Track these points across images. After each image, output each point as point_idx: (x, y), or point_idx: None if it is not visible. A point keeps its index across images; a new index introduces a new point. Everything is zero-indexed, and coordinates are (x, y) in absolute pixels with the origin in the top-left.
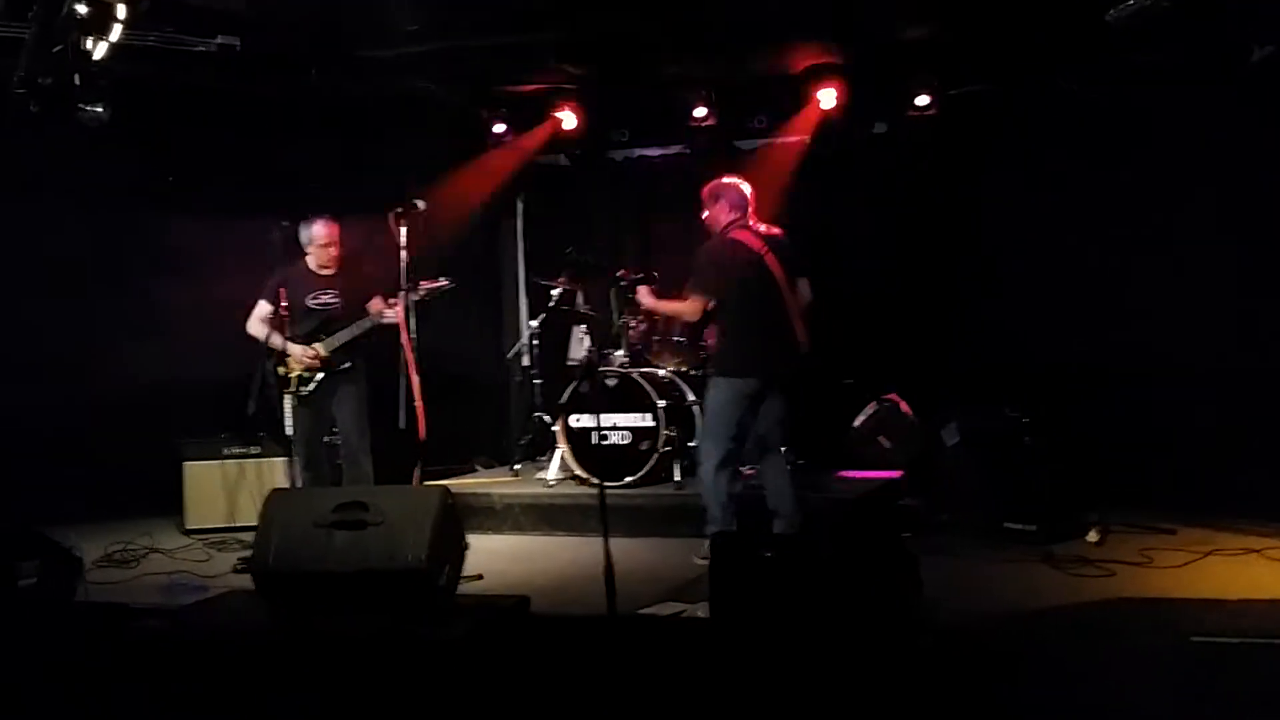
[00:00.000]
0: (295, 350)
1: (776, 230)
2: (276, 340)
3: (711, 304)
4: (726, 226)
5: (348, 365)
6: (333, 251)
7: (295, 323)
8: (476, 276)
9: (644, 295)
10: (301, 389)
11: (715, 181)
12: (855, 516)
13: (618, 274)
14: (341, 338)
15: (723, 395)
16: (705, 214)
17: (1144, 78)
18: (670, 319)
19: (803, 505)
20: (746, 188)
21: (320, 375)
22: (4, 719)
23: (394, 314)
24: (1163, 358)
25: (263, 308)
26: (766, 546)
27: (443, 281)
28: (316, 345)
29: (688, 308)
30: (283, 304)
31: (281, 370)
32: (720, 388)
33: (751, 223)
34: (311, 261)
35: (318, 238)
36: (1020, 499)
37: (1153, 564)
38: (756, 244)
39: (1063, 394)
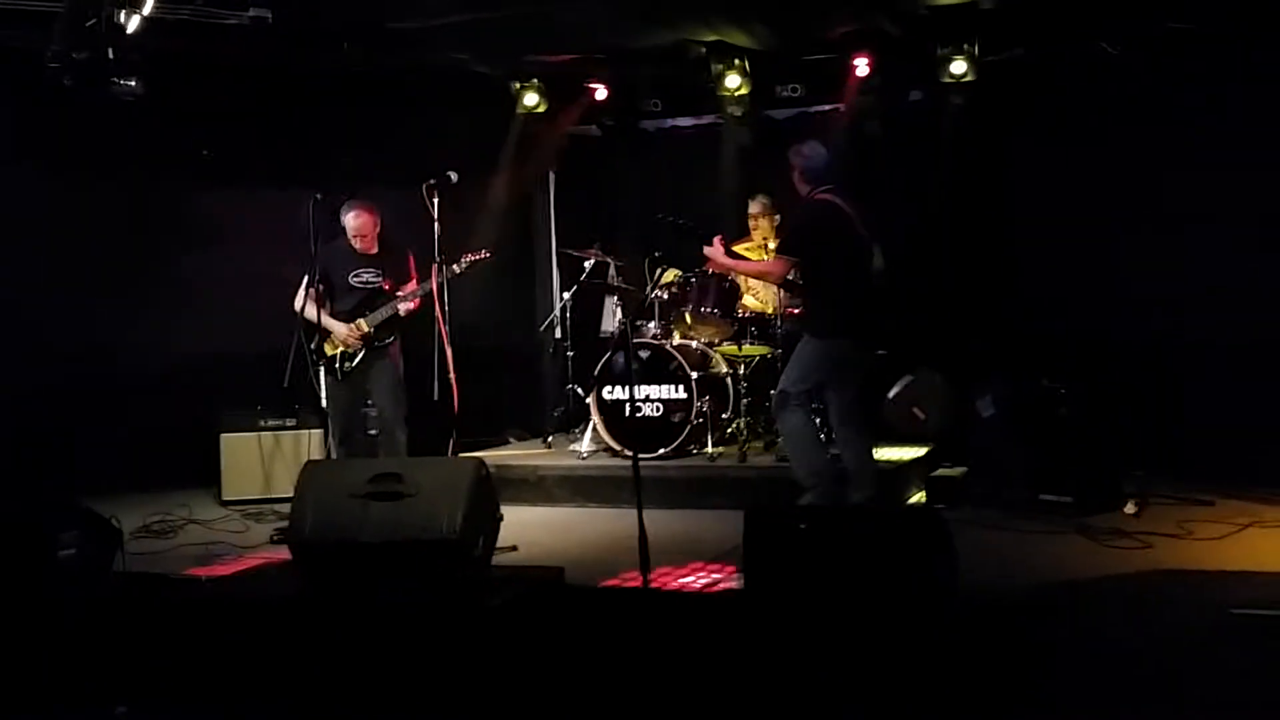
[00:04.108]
0: (340, 329)
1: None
2: (324, 319)
3: (794, 268)
4: (813, 189)
5: (389, 341)
6: (365, 241)
7: (336, 299)
8: (509, 248)
9: (716, 254)
10: (345, 365)
11: (798, 145)
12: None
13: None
14: (382, 314)
15: (812, 354)
16: (794, 177)
17: (1186, 41)
18: (703, 290)
19: (881, 478)
20: (823, 151)
21: (362, 352)
22: (44, 688)
23: (408, 307)
24: (1202, 328)
25: (307, 285)
26: (801, 519)
27: (484, 254)
28: (359, 322)
29: (773, 268)
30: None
31: (326, 347)
32: (810, 347)
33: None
34: (352, 240)
35: (351, 227)
36: (1056, 470)
37: (1191, 536)
38: (846, 207)
39: (1099, 365)
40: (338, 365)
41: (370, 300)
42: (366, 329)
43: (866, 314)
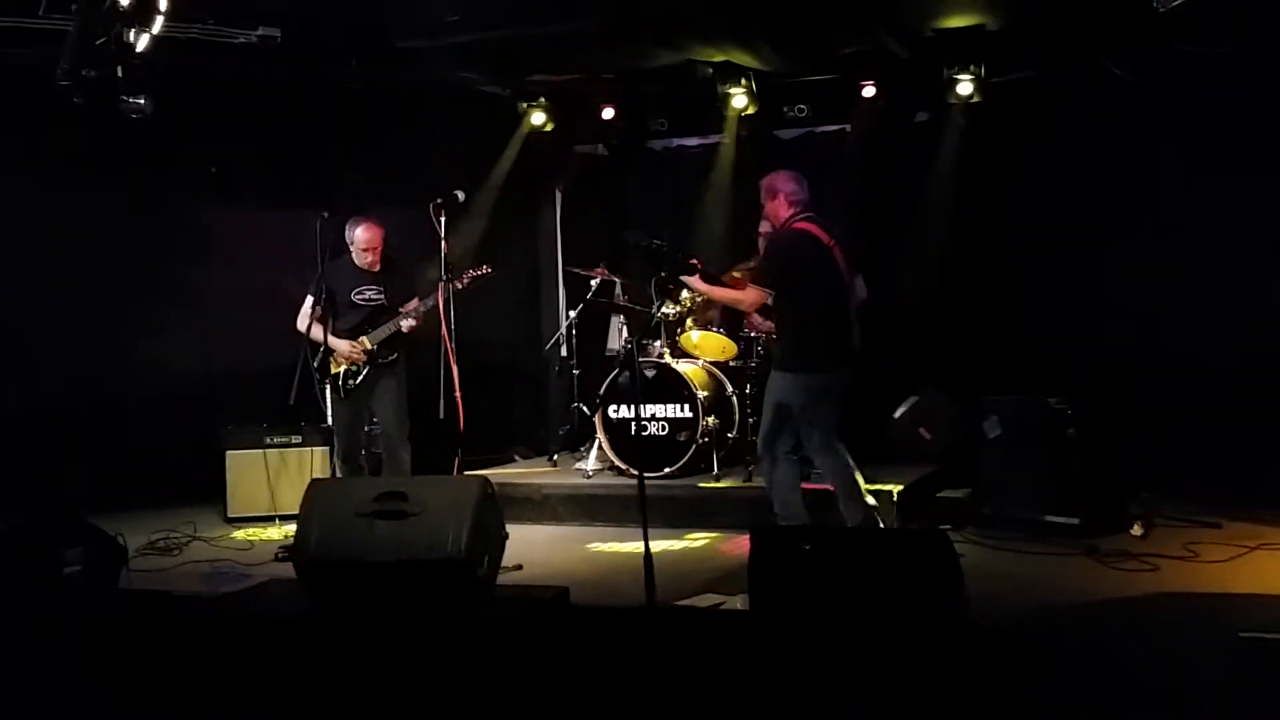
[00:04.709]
0: (343, 346)
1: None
2: (328, 337)
3: (770, 296)
4: (790, 218)
5: (392, 358)
6: (370, 257)
7: (339, 317)
8: (515, 267)
9: (696, 281)
10: (348, 383)
11: (772, 174)
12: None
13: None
14: (385, 332)
15: (786, 390)
16: (765, 206)
17: (1190, 62)
18: (706, 309)
19: (869, 506)
20: (802, 180)
21: (366, 369)
22: (48, 705)
23: (410, 324)
24: (1208, 349)
25: (309, 303)
26: (806, 539)
27: (485, 269)
28: (362, 339)
29: (748, 297)
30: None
31: (330, 365)
32: (784, 382)
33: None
34: (355, 258)
35: (359, 241)
36: (1062, 492)
37: (1198, 558)
38: (825, 237)
39: (1106, 385)
40: (341, 383)
41: (373, 318)
42: (369, 346)
43: (842, 347)
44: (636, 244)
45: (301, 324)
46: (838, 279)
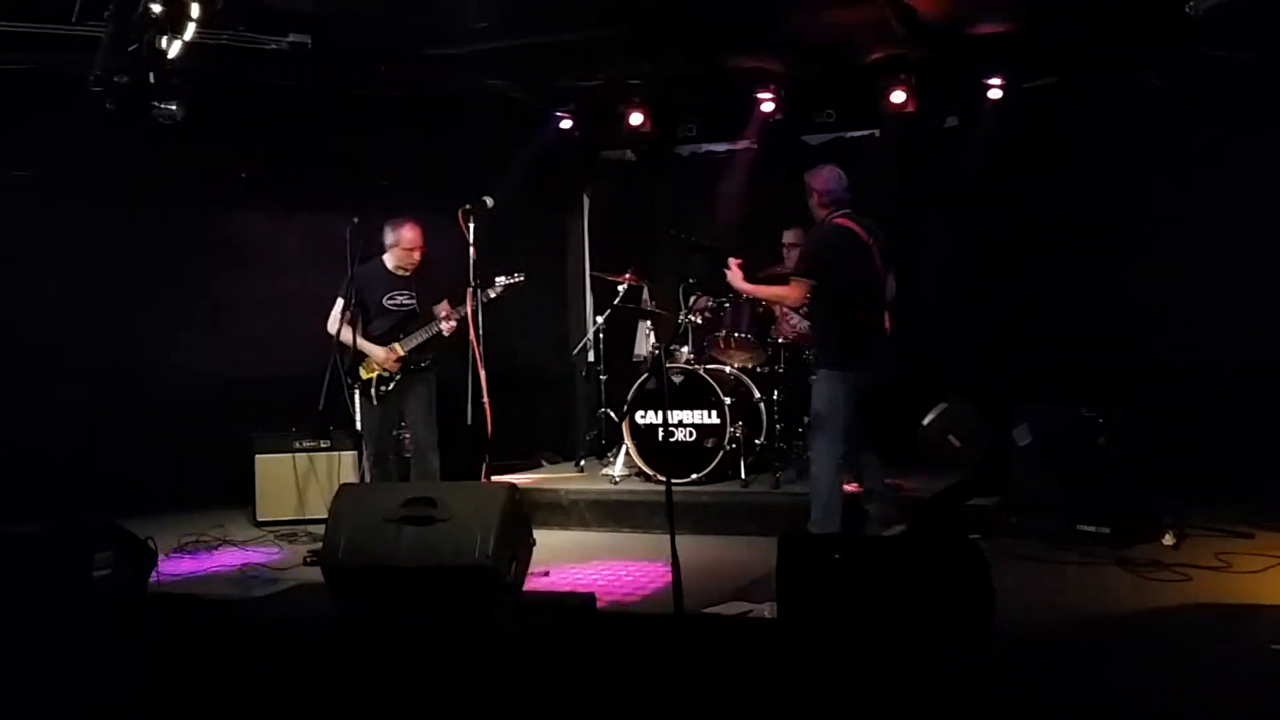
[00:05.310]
0: (378, 353)
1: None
2: (361, 342)
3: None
4: (831, 213)
5: (424, 365)
6: (416, 256)
7: (370, 322)
8: (543, 272)
9: (735, 278)
10: (380, 389)
11: (813, 171)
12: (925, 518)
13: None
14: (418, 338)
15: (833, 389)
16: (810, 200)
17: (1222, 68)
18: (737, 314)
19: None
20: (841, 176)
21: (399, 376)
22: (77, 708)
23: (450, 325)
24: (1241, 357)
25: (341, 308)
26: (836, 547)
27: (518, 276)
28: (395, 346)
29: (791, 292)
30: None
31: (362, 371)
32: (830, 382)
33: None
34: (389, 261)
35: (405, 240)
36: (1094, 501)
37: (1230, 569)
38: (863, 234)
39: (1137, 393)
40: (373, 389)
41: (405, 323)
42: (402, 352)
43: (875, 344)
44: (697, 245)
45: (332, 327)
46: (873, 276)
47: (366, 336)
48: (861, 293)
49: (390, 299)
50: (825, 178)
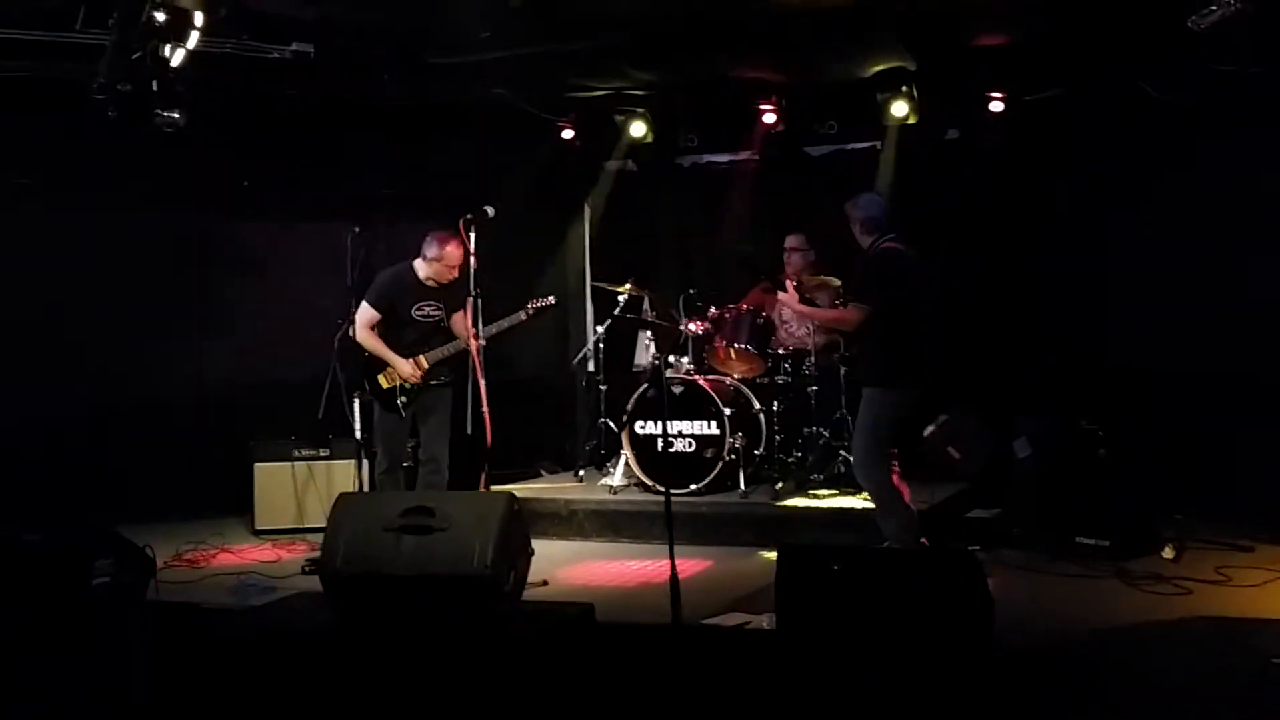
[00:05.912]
0: (404, 366)
1: None
2: (386, 353)
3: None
4: (878, 239)
5: (445, 380)
6: (455, 274)
7: (396, 332)
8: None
9: (790, 300)
10: (400, 399)
11: (853, 199)
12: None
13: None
14: (443, 352)
15: (885, 406)
16: (854, 229)
17: (1227, 83)
18: (736, 325)
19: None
20: (876, 202)
21: (419, 388)
22: (77, 715)
23: (481, 342)
24: (1242, 369)
25: (370, 315)
26: (834, 559)
27: (550, 300)
28: (420, 358)
29: (850, 316)
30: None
31: (382, 380)
32: (881, 398)
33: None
34: (422, 271)
35: (449, 258)
36: (1093, 513)
37: (1230, 582)
38: (910, 257)
39: (1137, 405)
40: (398, 399)
41: (430, 336)
42: (427, 365)
43: (927, 363)
44: (748, 257)
45: (361, 334)
46: (923, 297)
47: (392, 346)
48: (915, 314)
49: (419, 309)
50: (864, 205)
